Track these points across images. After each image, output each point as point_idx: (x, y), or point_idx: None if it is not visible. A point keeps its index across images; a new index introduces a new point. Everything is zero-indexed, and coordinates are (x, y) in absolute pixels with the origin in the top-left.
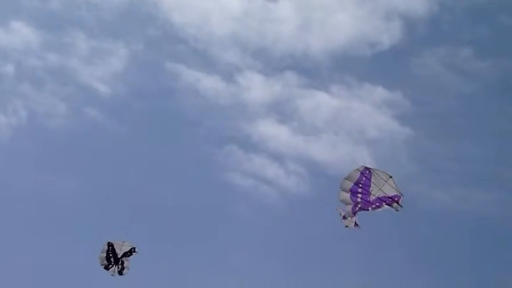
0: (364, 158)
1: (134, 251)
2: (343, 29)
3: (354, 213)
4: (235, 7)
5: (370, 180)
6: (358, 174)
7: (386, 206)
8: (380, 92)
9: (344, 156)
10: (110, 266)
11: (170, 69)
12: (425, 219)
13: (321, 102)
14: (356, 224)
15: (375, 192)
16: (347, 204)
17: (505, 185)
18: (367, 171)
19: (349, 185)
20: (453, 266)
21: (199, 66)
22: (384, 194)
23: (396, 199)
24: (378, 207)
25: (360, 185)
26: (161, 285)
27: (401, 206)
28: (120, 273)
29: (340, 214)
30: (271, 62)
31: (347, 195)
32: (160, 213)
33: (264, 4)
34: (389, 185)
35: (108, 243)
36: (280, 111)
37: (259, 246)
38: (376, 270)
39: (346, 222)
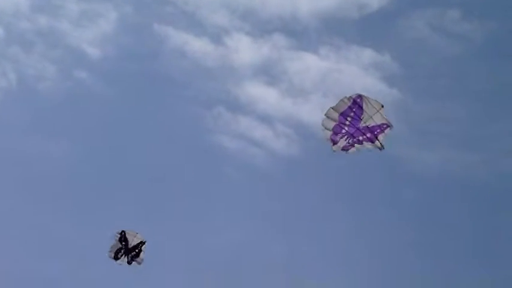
0: None
1: (143, 244)
2: None
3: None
4: None
5: (362, 108)
6: (348, 103)
7: (369, 145)
8: (368, 54)
9: None
10: (120, 255)
11: (158, 31)
12: (412, 180)
13: (309, 64)
14: (344, 149)
15: (366, 120)
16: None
17: (490, 146)
18: (359, 99)
19: (336, 115)
20: (440, 227)
21: (187, 28)
22: (374, 123)
23: (384, 127)
24: (362, 141)
25: (352, 114)
26: (149, 246)
27: (383, 147)
28: (129, 263)
29: (327, 139)
30: (260, 24)
31: (332, 124)
32: (148, 176)
33: None
34: (380, 114)
35: (122, 231)
36: (269, 73)
37: (248, 208)
38: (363, 231)
39: (334, 147)
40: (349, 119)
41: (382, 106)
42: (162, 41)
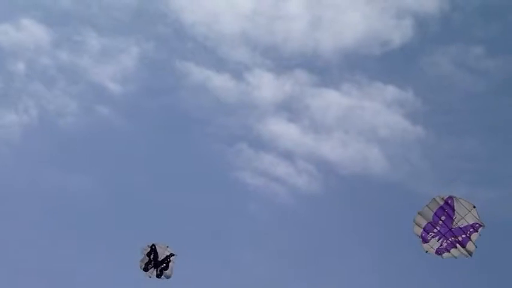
0: (376, 157)
1: (172, 256)
2: (354, 27)
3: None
4: (245, 5)
5: (453, 210)
6: (441, 203)
7: (458, 252)
8: (391, 91)
9: (355, 155)
10: (150, 266)
11: (180, 68)
12: None
13: (331, 101)
14: (437, 253)
15: (458, 221)
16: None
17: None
18: (450, 200)
19: (430, 214)
20: (461, 265)
21: (209, 65)
22: (466, 223)
23: (477, 227)
24: (456, 244)
25: (444, 214)
26: (171, 283)
27: (476, 246)
28: (159, 276)
29: (416, 234)
30: (282, 60)
31: (425, 222)
32: (170, 212)
33: (274, 2)
34: (472, 214)
35: (152, 245)
36: (291, 109)
37: (270, 244)
38: (385, 269)
39: (426, 246)
40: (443, 218)
41: (474, 207)
42: (183, 76)
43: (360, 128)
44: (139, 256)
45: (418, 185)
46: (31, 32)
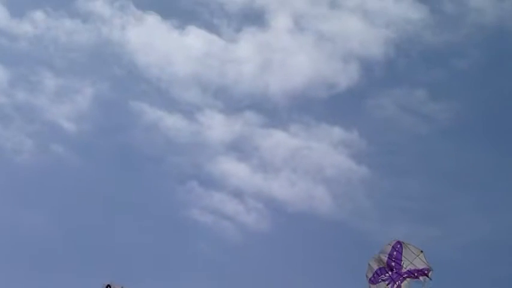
0: (322, 196)
1: None
2: (302, 70)
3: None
4: (197, 48)
5: (401, 254)
6: (390, 248)
7: (414, 279)
8: (337, 132)
9: (302, 193)
10: None
11: (133, 108)
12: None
13: (280, 141)
14: None
15: (406, 266)
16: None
17: (450, 221)
18: (399, 245)
19: (384, 258)
20: None
21: (161, 105)
22: (414, 267)
23: (426, 272)
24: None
25: (394, 259)
26: None
27: (430, 279)
28: None
29: (367, 277)
30: (232, 102)
31: (377, 266)
32: (121, 249)
33: (225, 45)
34: (420, 259)
35: (107, 285)
36: (240, 149)
37: (220, 282)
38: None
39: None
40: (393, 264)
41: (422, 251)
42: (136, 116)
43: (307, 167)
44: None
45: (362, 223)
46: None
